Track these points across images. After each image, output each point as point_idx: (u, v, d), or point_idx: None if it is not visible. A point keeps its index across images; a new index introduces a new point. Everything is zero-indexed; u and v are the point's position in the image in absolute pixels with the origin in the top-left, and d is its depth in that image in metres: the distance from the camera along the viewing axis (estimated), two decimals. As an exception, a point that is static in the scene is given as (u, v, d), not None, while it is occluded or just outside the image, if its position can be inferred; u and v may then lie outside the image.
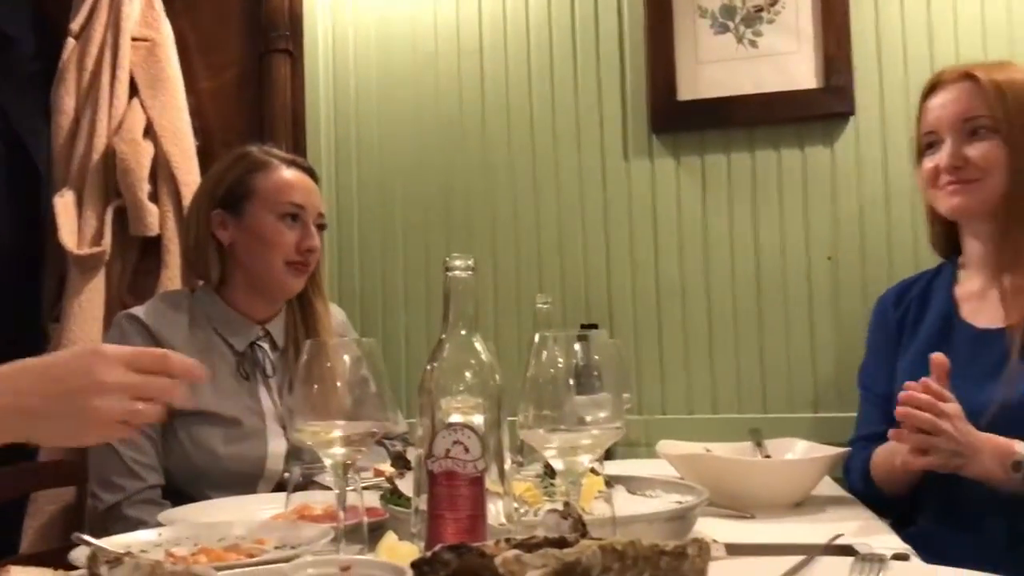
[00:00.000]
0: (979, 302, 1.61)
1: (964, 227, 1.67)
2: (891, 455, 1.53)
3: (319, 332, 1.81)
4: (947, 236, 1.73)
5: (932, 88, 1.65)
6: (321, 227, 1.83)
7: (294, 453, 1.71)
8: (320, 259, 1.85)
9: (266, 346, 1.81)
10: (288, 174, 1.79)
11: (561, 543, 0.70)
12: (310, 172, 1.85)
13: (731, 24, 2.28)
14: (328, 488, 1.32)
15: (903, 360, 1.65)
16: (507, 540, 0.70)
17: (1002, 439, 1.36)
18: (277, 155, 1.82)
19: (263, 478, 1.70)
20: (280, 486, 1.63)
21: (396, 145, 2.49)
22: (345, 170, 2.52)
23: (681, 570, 0.67)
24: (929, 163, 1.63)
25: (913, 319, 1.69)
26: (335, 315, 1.95)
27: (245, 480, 1.67)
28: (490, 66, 2.44)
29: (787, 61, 2.24)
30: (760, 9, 2.26)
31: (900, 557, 1.04)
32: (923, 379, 1.38)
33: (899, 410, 1.34)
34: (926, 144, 1.65)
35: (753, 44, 2.26)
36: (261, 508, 1.39)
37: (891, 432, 1.38)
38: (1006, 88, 1.54)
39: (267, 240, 1.75)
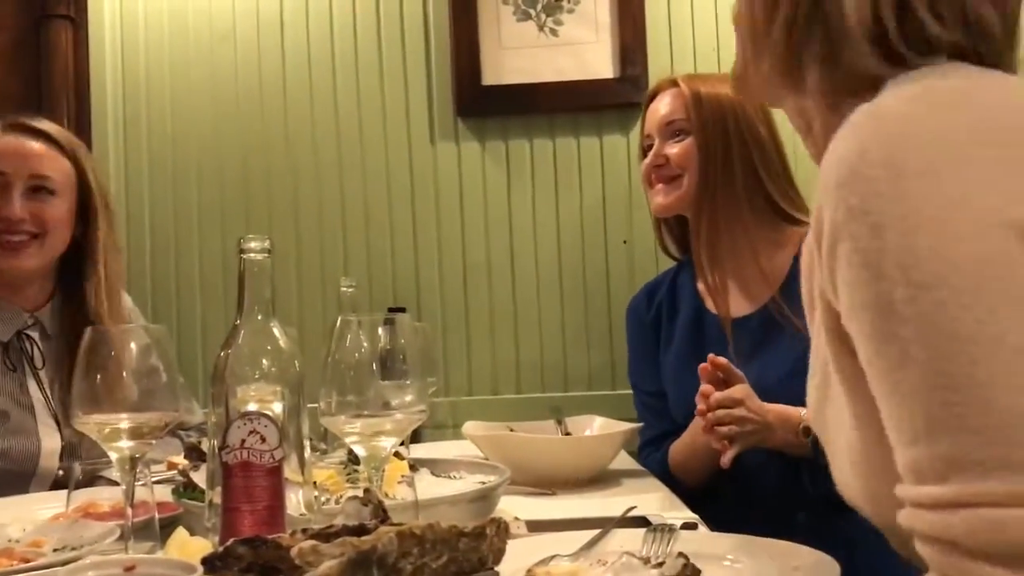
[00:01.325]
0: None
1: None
2: (690, 448, 1.60)
3: (100, 319, 1.68)
4: (682, 235, 1.82)
5: (652, 96, 1.78)
6: (40, 191, 1.64)
7: (69, 449, 1.60)
8: (98, 239, 1.69)
9: (35, 335, 1.68)
10: None
11: (360, 530, 0.69)
12: (38, 133, 1.66)
13: (533, 12, 2.31)
14: (117, 483, 1.24)
15: (667, 356, 1.75)
16: (304, 530, 0.69)
17: (788, 409, 1.44)
18: None
19: (36, 476, 1.58)
20: (57, 484, 1.52)
21: (191, 122, 2.37)
22: (135, 146, 2.37)
23: (480, 550, 0.68)
24: (643, 165, 1.76)
25: (668, 317, 1.78)
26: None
27: (14, 480, 1.54)
28: (291, 44, 2.36)
29: (586, 51, 2.30)
30: (561, -2, 2.31)
31: (689, 526, 1.10)
32: (716, 358, 1.45)
33: (705, 423, 1.41)
34: (646, 146, 1.78)
35: (554, 33, 2.31)
36: (40, 507, 1.30)
37: (702, 430, 1.44)
38: (703, 95, 1.67)
39: None
